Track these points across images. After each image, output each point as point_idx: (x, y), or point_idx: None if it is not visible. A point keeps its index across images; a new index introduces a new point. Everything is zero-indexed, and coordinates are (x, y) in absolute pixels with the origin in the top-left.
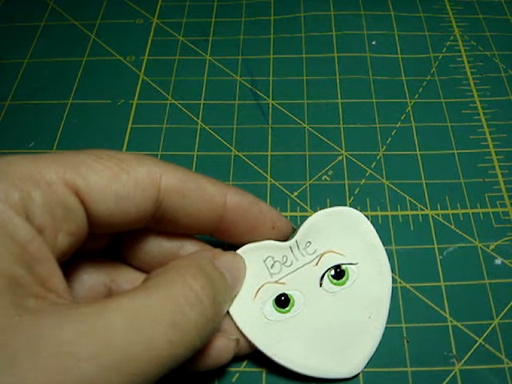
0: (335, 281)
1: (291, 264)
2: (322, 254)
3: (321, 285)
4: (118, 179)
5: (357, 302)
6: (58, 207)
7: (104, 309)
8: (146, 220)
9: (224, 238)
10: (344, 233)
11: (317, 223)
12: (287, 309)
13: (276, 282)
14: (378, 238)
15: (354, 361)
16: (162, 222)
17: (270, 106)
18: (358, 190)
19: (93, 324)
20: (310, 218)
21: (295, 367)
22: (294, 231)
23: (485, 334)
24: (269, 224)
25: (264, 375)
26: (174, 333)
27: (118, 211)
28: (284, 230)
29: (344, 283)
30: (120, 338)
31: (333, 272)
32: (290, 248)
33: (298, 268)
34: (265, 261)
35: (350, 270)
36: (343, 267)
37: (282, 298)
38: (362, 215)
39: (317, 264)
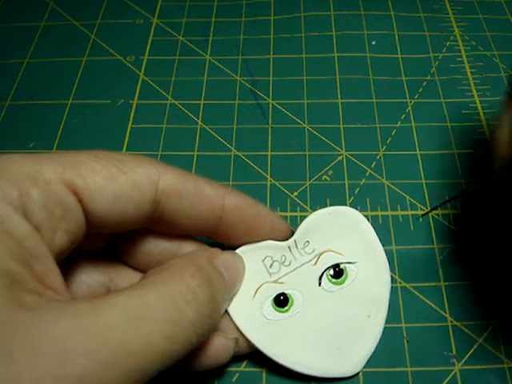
0: (334, 280)
1: (290, 263)
2: (321, 254)
3: (320, 284)
4: (116, 179)
5: (356, 301)
6: (55, 206)
7: (101, 305)
8: (143, 221)
9: (222, 240)
10: (343, 232)
11: (315, 222)
12: (286, 308)
13: (275, 281)
14: (376, 237)
15: (354, 360)
16: (159, 223)
17: (270, 105)
18: (357, 189)
19: (90, 320)
20: (308, 218)
21: (295, 367)
22: (292, 234)
23: (485, 334)
24: (268, 226)
25: (264, 375)
26: (171, 329)
27: (116, 211)
28: (283, 233)
29: (343, 282)
30: (117, 334)
31: (332, 271)
32: (289, 247)
33: (297, 267)
34: (263, 260)
35: (349, 270)
36: (342, 266)
37: (281, 297)
38: (361, 215)
39: (315, 263)
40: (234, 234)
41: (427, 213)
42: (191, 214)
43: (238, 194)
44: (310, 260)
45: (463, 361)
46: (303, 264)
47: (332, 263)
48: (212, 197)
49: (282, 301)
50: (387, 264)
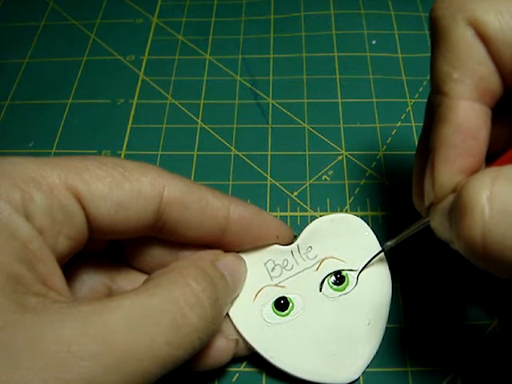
0: (335, 286)
1: (292, 268)
2: (323, 260)
3: (321, 290)
4: (121, 187)
5: (356, 309)
6: (58, 211)
7: (105, 308)
8: (146, 229)
9: (227, 249)
10: (345, 239)
11: (319, 229)
12: (286, 312)
13: (276, 285)
14: (378, 245)
15: (352, 367)
16: (162, 232)
17: (270, 105)
18: (357, 190)
19: (93, 323)
20: (312, 224)
21: (292, 370)
22: (295, 238)
23: (484, 334)
24: (273, 234)
25: (264, 375)
26: (174, 334)
27: (119, 219)
28: (287, 239)
29: (344, 289)
30: (120, 337)
31: (333, 278)
32: (291, 252)
33: (299, 272)
34: (265, 264)
35: (350, 277)
36: (343, 273)
37: (282, 301)
38: (364, 223)
39: (317, 269)
40: (239, 243)
41: (361, 271)
42: (195, 225)
43: (243, 204)
44: (312, 265)
45: (463, 361)
46: (305, 269)
47: (334, 270)
48: (217, 208)
49: (282, 304)
50: (389, 273)
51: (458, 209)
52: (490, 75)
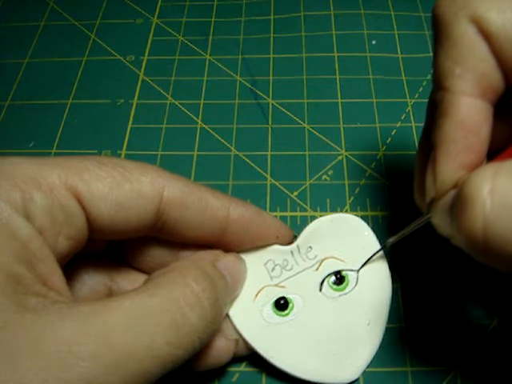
0: (335, 286)
1: (292, 268)
2: (323, 260)
3: (320, 290)
4: (121, 188)
5: (356, 309)
6: (58, 211)
7: (105, 308)
8: (146, 230)
9: (227, 249)
10: (345, 239)
11: (319, 229)
12: (286, 312)
13: (276, 285)
14: (378, 245)
15: (351, 367)
16: (163, 232)
17: (270, 105)
18: (357, 189)
19: (93, 323)
20: (311, 224)
21: (292, 370)
22: (295, 238)
23: (485, 334)
24: (273, 235)
25: (264, 375)
26: (174, 334)
27: (119, 220)
28: (287, 239)
29: (344, 289)
30: (120, 337)
31: (333, 278)
32: (291, 252)
33: (299, 272)
34: (265, 264)
35: (350, 277)
36: (343, 273)
37: (282, 301)
38: (364, 223)
39: (317, 269)
40: (239, 243)
41: (361, 268)
42: (195, 225)
43: (243, 204)
44: (312, 265)
45: (463, 361)
46: (305, 269)
47: (334, 270)
48: (216, 208)
49: (282, 304)
50: (389, 273)
51: (459, 203)
52: (492, 72)
